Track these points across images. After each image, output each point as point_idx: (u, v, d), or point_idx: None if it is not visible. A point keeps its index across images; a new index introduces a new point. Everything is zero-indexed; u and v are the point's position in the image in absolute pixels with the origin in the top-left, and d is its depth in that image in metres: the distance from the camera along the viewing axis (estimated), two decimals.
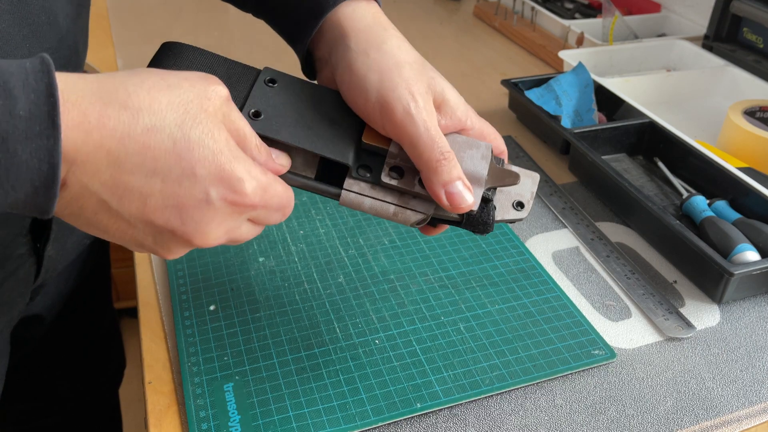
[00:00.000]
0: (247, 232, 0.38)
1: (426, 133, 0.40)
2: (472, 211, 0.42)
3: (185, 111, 0.33)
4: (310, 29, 0.45)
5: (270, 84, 0.42)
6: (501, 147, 0.46)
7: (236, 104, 0.39)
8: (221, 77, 0.40)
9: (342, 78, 0.43)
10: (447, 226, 0.46)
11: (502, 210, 0.44)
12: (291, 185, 0.40)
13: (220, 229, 0.35)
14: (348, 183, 0.42)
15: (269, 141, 0.40)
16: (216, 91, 0.35)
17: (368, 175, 0.42)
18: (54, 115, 0.29)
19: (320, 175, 0.42)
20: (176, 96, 0.34)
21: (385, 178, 0.41)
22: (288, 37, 0.48)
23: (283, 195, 0.38)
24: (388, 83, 0.40)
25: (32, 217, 0.56)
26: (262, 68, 0.43)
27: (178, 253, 0.36)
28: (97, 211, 0.33)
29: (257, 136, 0.38)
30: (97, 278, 0.77)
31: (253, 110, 0.40)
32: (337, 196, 0.42)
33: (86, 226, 0.35)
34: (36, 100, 0.29)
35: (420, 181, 0.41)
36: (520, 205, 0.45)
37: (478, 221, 0.43)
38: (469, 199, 0.40)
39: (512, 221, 0.45)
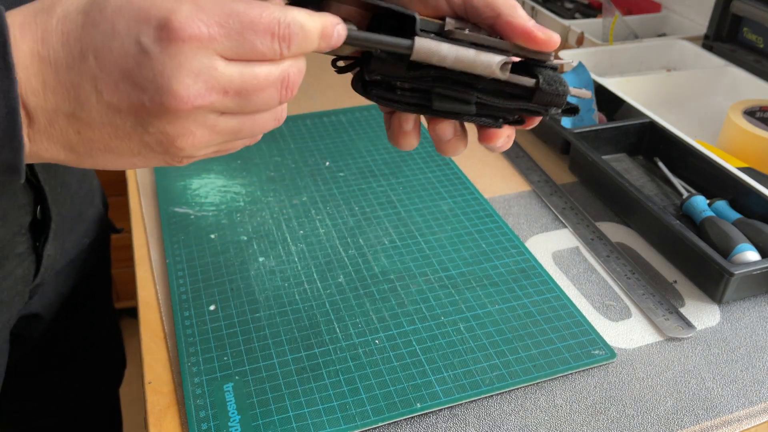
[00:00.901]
0: (227, 106, 0.32)
1: None
2: (544, 76, 0.38)
3: None
4: None
5: None
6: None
7: None
8: None
9: None
10: (507, 131, 0.41)
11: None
12: (339, 51, 0.35)
13: (183, 77, 0.29)
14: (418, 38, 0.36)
15: None
16: None
17: (433, 34, 0.37)
18: (5, 54, 0.28)
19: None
20: None
21: (454, 31, 0.37)
22: None
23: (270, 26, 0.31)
24: None
25: (29, 217, 0.56)
26: None
27: (178, 141, 0.31)
28: (77, 129, 0.31)
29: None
30: (97, 278, 0.77)
31: None
32: (408, 49, 0.36)
33: (86, 155, 0.32)
34: None
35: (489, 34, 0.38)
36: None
37: (555, 82, 0.39)
38: (555, 34, 0.38)
39: (581, 96, 0.41)
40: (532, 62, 0.40)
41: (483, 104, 0.40)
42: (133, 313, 0.74)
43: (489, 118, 0.41)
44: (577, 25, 1.05)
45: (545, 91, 0.39)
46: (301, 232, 0.65)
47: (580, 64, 0.84)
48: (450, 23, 0.39)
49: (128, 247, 0.66)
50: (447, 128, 0.41)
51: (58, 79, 0.30)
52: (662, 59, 0.99)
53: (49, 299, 0.67)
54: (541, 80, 0.39)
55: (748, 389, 0.51)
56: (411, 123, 0.41)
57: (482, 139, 0.42)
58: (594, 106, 0.82)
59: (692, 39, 0.99)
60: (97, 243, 0.72)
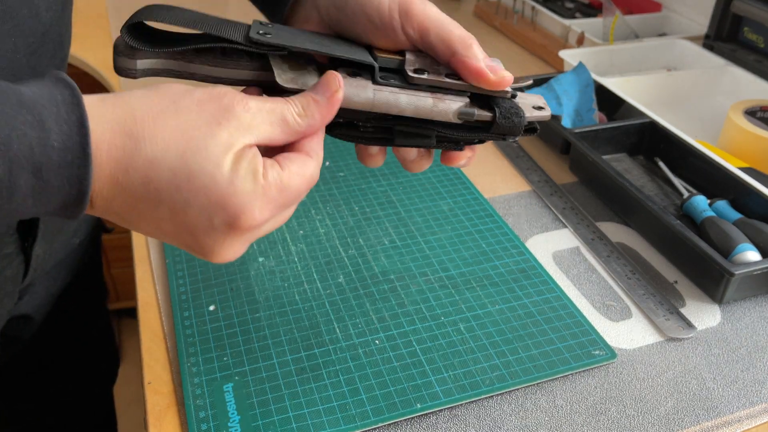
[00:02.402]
0: (269, 229, 0.38)
1: (448, 18, 0.41)
2: (500, 109, 0.41)
3: (189, 138, 0.33)
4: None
5: (264, 28, 0.39)
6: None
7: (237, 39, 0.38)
8: (211, 29, 0.37)
9: (341, 5, 0.43)
10: (468, 154, 0.44)
11: (526, 111, 0.43)
12: None
13: (232, 250, 0.36)
14: (376, 86, 0.39)
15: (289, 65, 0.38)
16: (229, 108, 0.35)
17: (392, 80, 0.40)
18: (85, 145, 0.31)
19: None
20: (184, 121, 0.34)
21: (413, 76, 0.40)
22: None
23: (302, 184, 0.37)
24: None
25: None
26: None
27: (216, 258, 0.37)
28: (125, 222, 0.36)
29: (294, 105, 0.37)
30: (88, 278, 0.76)
31: (260, 31, 0.38)
32: (369, 103, 0.39)
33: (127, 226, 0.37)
34: (69, 132, 0.31)
35: (448, 76, 0.40)
36: (539, 108, 0.43)
37: (512, 114, 0.41)
38: (508, 73, 0.40)
39: (540, 119, 0.43)
40: (490, 95, 0.42)
41: (443, 136, 0.42)
42: (132, 313, 0.74)
43: (451, 143, 0.43)
44: (578, 24, 1.05)
45: (501, 125, 0.42)
46: (301, 232, 0.65)
47: (580, 64, 0.84)
48: (410, 60, 0.41)
49: (128, 247, 0.65)
50: (410, 151, 0.45)
51: (127, 202, 0.34)
52: (663, 59, 0.99)
53: (39, 300, 0.67)
54: (497, 114, 0.41)
55: (749, 389, 0.51)
56: (376, 149, 0.45)
57: (444, 160, 0.45)
58: (594, 106, 0.82)
59: (693, 39, 0.99)
60: (87, 243, 0.72)
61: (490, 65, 0.40)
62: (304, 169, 0.37)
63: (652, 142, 0.77)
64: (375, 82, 0.39)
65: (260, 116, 0.36)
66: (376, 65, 0.40)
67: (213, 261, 0.37)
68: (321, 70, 0.39)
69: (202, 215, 0.34)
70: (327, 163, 0.76)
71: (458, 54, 0.40)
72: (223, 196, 0.34)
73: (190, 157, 0.33)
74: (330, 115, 0.38)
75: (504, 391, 0.50)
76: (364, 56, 0.40)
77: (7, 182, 0.30)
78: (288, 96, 0.38)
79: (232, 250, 0.36)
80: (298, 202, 0.38)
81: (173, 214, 0.34)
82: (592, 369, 0.53)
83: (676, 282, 0.62)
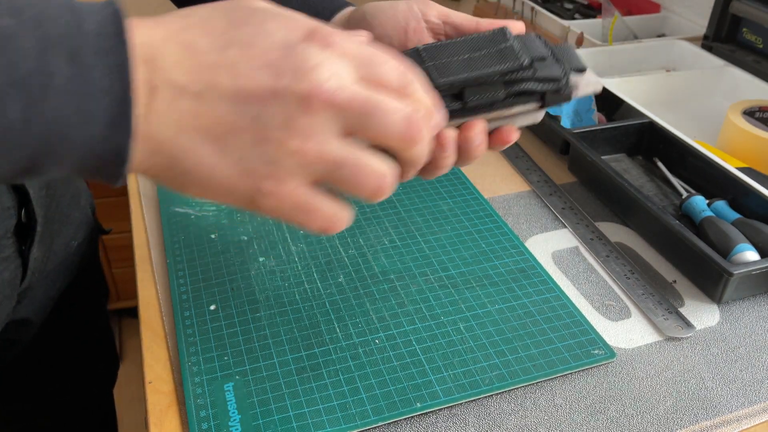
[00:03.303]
0: (350, 47, 0.33)
1: None
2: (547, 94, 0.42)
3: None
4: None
5: None
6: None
7: None
8: None
9: (359, 18, 0.48)
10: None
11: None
12: None
13: (320, 68, 0.30)
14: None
15: None
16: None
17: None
18: (122, 31, 0.28)
19: None
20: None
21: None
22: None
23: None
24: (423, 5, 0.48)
25: (14, 220, 0.56)
26: None
27: (291, 143, 0.31)
28: (197, 114, 0.30)
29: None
30: (86, 280, 0.76)
31: None
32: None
33: (195, 154, 0.31)
34: (104, 18, 0.28)
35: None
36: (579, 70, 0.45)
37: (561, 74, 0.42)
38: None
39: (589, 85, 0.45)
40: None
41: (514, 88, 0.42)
42: (133, 312, 0.74)
43: (522, 94, 0.42)
44: (577, 25, 1.05)
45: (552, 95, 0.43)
46: (302, 231, 0.66)
47: None
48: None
49: (128, 247, 0.66)
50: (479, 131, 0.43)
51: (193, 60, 0.30)
52: (662, 59, 0.99)
53: (38, 303, 0.66)
54: (546, 97, 0.43)
55: (748, 389, 0.52)
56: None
57: (496, 141, 0.44)
58: (593, 106, 0.82)
59: (692, 39, 0.99)
60: (85, 245, 0.72)
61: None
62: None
63: (651, 143, 0.77)
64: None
65: None
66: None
67: (306, 88, 0.30)
68: None
69: (276, 38, 0.31)
70: None
71: (482, 22, 0.45)
72: (291, 18, 0.32)
73: (241, 6, 0.32)
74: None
75: (503, 390, 0.50)
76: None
77: (41, 66, 0.26)
78: None
79: (325, 69, 0.30)
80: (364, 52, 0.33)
81: (243, 51, 0.30)
82: (591, 368, 0.53)
83: (674, 282, 0.62)
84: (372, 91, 0.32)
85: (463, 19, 0.46)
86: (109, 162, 0.29)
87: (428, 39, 0.47)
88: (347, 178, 0.32)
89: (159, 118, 0.30)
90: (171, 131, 0.30)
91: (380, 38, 0.47)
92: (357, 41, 0.33)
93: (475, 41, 0.41)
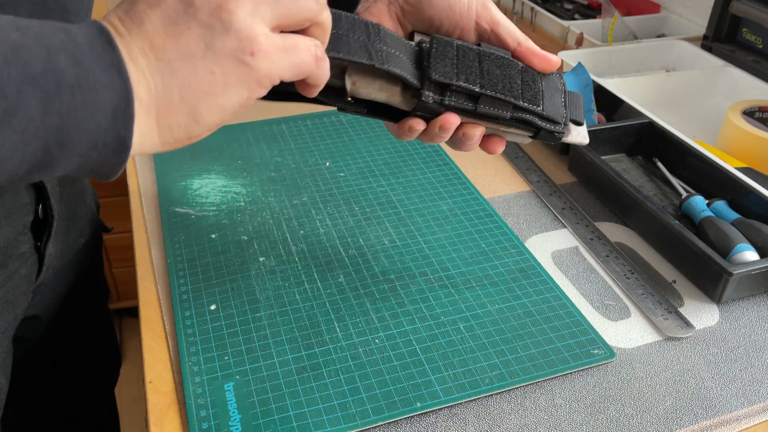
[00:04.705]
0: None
1: (507, 19, 0.50)
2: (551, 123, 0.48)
3: None
4: None
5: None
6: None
7: None
8: None
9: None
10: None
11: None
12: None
13: None
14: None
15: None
16: None
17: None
18: (110, 40, 0.32)
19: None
20: None
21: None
22: None
23: None
24: None
25: (31, 216, 0.57)
26: None
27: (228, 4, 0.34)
28: (163, 47, 0.34)
29: None
30: (91, 278, 0.77)
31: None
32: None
33: (177, 61, 0.34)
34: (92, 33, 0.32)
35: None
36: (577, 123, 0.50)
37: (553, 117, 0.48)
38: (555, 57, 0.50)
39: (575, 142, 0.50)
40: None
41: (518, 116, 0.48)
42: (133, 312, 0.74)
43: (522, 122, 0.48)
44: (577, 25, 1.05)
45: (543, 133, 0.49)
46: (302, 232, 0.66)
47: (579, 65, 0.85)
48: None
49: (129, 247, 0.66)
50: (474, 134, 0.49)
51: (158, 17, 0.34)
52: (661, 60, 0.99)
53: (47, 300, 0.67)
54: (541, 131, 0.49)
55: (747, 388, 0.52)
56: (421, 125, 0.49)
57: (483, 146, 0.50)
58: (593, 106, 0.82)
59: (691, 39, 1.00)
60: (91, 243, 0.73)
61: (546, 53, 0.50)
62: None
63: (651, 143, 0.77)
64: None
65: None
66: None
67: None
68: None
69: None
70: (327, 164, 0.76)
71: (522, 43, 0.49)
72: None
73: None
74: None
75: (503, 390, 0.50)
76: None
77: (52, 66, 0.30)
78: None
79: None
80: None
81: None
82: (590, 368, 0.53)
83: (674, 282, 0.62)
84: None
85: (507, 35, 0.49)
86: (113, 149, 0.32)
87: (471, 38, 0.49)
88: (291, 8, 0.36)
89: (144, 62, 0.33)
90: (160, 64, 0.34)
91: (428, 19, 0.49)
92: None
93: (516, 67, 0.47)
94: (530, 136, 0.49)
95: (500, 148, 0.50)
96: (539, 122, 0.47)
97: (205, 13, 0.34)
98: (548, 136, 0.49)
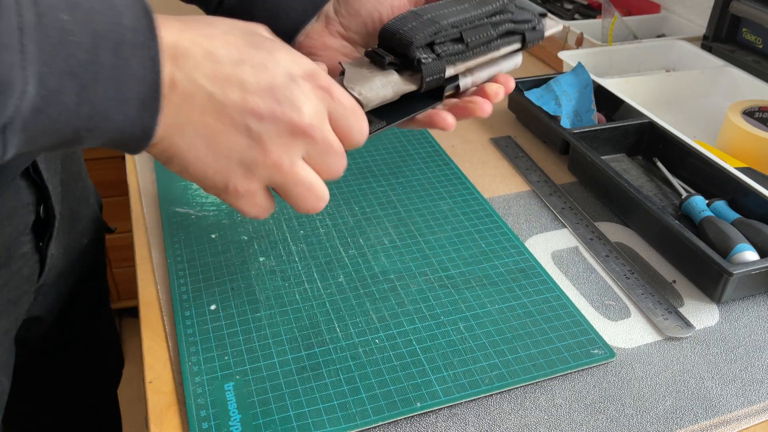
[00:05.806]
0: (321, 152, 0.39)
1: None
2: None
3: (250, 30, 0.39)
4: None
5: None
6: None
7: None
8: None
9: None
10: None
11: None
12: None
13: (309, 105, 0.38)
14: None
15: None
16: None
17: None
18: (153, 28, 0.33)
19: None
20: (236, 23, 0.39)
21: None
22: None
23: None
24: None
25: (33, 216, 0.57)
26: None
27: (269, 156, 0.37)
28: (204, 110, 0.35)
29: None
30: (93, 278, 0.77)
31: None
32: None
33: (191, 144, 0.36)
34: (137, 15, 0.32)
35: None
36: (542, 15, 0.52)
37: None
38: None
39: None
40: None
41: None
42: (133, 312, 0.74)
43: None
44: (577, 25, 1.05)
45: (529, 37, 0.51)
46: (302, 231, 0.66)
47: (579, 65, 0.85)
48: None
49: (129, 247, 0.66)
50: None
51: (213, 67, 0.35)
52: (661, 60, 0.99)
53: (50, 301, 0.67)
54: (526, 40, 0.50)
55: (747, 388, 0.52)
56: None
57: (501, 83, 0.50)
58: (593, 106, 0.82)
59: (691, 39, 0.99)
60: (94, 243, 0.73)
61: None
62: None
63: (651, 143, 0.77)
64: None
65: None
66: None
67: (292, 119, 0.37)
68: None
69: (281, 68, 0.37)
70: None
71: None
72: (297, 53, 0.39)
73: (257, 35, 0.38)
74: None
75: (503, 390, 0.50)
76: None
77: (93, 58, 0.30)
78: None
79: (310, 105, 0.38)
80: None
81: (255, 71, 0.36)
82: (590, 368, 0.53)
83: (674, 282, 0.62)
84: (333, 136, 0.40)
85: None
86: (136, 138, 0.34)
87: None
88: (296, 195, 0.40)
89: (171, 109, 0.35)
90: (179, 120, 0.35)
91: (367, 16, 0.49)
92: (346, 95, 0.40)
93: None
94: (519, 48, 0.50)
95: (511, 82, 0.51)
96: (519, 27, 0.49)
97: (264, 140, 0.37)
98: (533, 35, 0.50)
